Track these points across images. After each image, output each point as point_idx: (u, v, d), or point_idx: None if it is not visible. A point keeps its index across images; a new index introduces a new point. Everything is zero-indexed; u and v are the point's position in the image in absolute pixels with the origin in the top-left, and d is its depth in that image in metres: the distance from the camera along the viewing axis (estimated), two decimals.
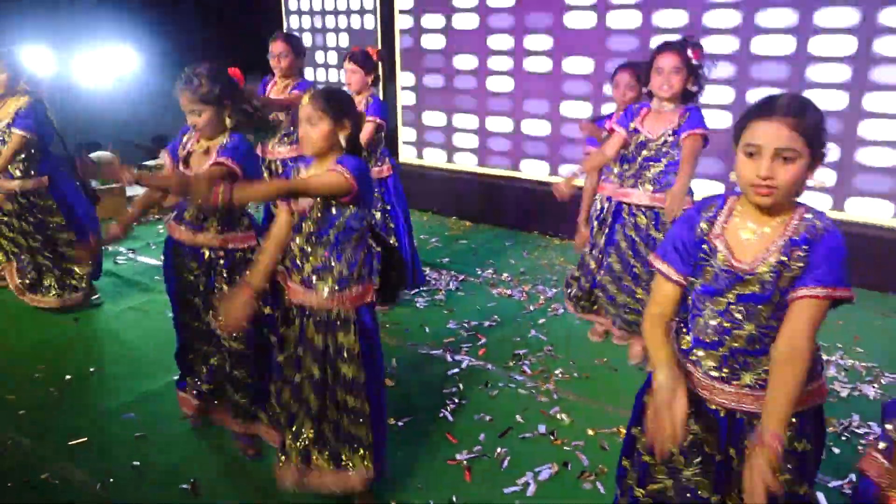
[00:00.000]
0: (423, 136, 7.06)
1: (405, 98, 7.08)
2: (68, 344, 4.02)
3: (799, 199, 1.71)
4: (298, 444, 2.49)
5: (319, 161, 2.36)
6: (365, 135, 4.22)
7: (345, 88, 4.16)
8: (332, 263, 2.34)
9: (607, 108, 5.09)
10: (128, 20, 7.21)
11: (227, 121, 2.67)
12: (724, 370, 1.77)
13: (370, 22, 7.17)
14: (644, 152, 3.34)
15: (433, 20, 6.64)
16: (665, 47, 3.24)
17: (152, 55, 7.32)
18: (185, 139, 2.78)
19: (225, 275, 2.77)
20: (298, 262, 2.40)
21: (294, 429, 2.50)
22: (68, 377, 3.59)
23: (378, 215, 4.33)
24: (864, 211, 4.81)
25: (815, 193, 4.89)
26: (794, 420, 1.72)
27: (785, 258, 1.65)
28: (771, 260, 1.66)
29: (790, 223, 1.68)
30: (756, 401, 1.74)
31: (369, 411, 2.45)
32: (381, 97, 4.36)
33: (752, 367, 1.74)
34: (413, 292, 4.68)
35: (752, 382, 1.74)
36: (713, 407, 1.80)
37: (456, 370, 3.68)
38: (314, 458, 2.48)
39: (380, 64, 4.42)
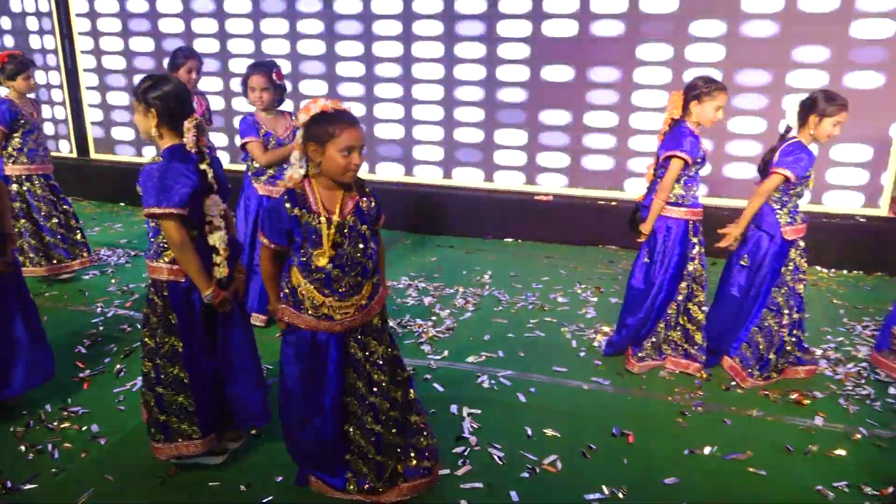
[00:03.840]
0: (111, 133, 7.51)
1: (90, 98, 7.47)
2: None
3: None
4: None
5: None
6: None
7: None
8: None
9: None
10: None
11: None
12: None
13: (47, 24, 7.41)
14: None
15: (110, 23, 7.14)
16: (255, 69, 4.01)
17: None
18: None
19: None
20: None
21: None
22: None
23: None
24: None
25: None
26: None
27: None
28: None
29: None
30: None
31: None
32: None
33: None
34: (83, 266, 5.18)
35: None
36: None
37: (101, 318, 4.34)
38: None
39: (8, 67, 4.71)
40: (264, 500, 2.65)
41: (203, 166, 2.57)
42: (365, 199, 2.45)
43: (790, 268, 3.51)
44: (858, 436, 3.13)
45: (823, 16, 5.22)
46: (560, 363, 3.79)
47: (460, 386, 3.54)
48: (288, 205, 2.35)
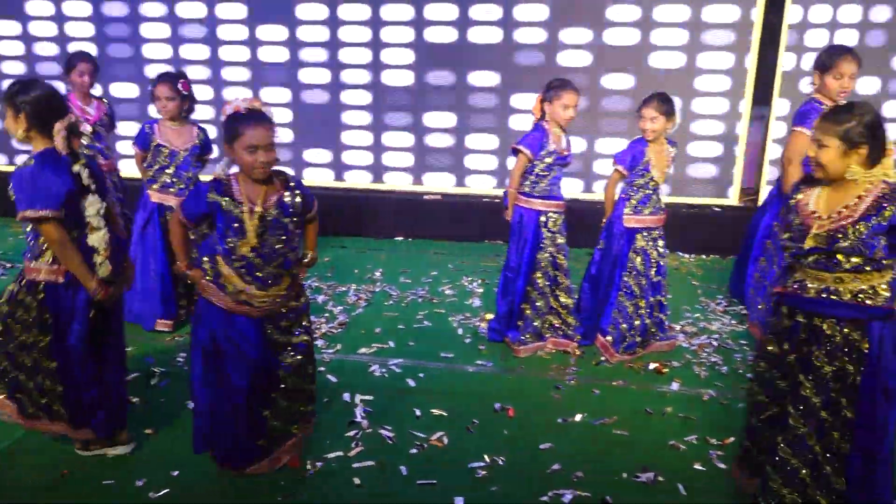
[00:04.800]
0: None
1: None
2: None
3: None
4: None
5: None
6: None
7: None
8: None
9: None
10: None
11: None
12: None
13: None
14: (174, 160, 4.06)
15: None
16: (160, 78, 4.01)
17: None
18: None
19: None
20: None
21: None
22: None
23: None
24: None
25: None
26: None
27: None
28: None
29: None
30: None
31: None
32: None
33: None
34: None
35: None
36: None
37: None
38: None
39: None
40: (160, 494, 2.72)
41: (76, 168, 2.58)
42: (288, 193, 2.62)
43: (640, 255, 3.88)
44: (707, 397, 3.54)
45: (677, 24, 5.78)
46: (447, 350, 4.03)
47: (353, 376, 3.71)
48: (211, 193, 2.51)
